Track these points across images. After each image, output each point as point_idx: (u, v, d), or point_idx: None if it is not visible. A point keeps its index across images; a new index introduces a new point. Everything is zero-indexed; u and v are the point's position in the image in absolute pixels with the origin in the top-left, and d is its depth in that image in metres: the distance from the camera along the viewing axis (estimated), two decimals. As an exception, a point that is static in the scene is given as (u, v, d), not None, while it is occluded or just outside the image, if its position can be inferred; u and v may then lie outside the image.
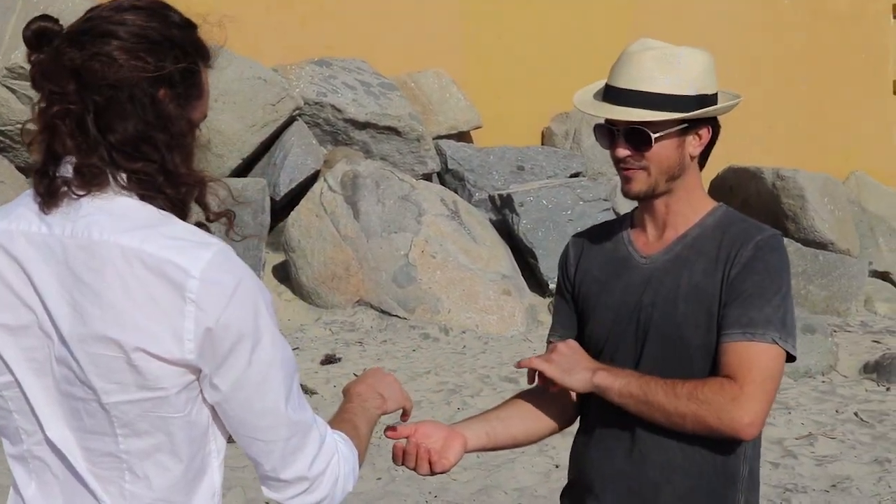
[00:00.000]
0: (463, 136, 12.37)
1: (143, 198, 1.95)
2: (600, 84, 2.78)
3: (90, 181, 1.93)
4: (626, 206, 11.31)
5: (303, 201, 10.07)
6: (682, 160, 2.71)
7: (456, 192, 11.17)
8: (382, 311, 9.62)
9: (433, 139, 11.72)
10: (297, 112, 10.98)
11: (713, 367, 2.66)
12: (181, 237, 1.93)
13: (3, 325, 1.96)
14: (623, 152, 2.68)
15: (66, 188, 1.94)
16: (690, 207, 2.77)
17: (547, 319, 10.06)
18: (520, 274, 10.22)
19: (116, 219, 1.93)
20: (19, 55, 9.85)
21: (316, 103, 11.14)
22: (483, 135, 12.39)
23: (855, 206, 12.41)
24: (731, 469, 2.73)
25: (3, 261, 1.96)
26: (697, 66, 2.68)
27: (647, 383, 2.62)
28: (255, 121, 10.65)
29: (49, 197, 1.95)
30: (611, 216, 10.81)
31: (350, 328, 9.40)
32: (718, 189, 12.00)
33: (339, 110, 11.14)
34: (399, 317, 9.58)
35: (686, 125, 2.68)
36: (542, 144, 12.66)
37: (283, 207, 10.51)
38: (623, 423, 2.75)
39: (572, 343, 2.78)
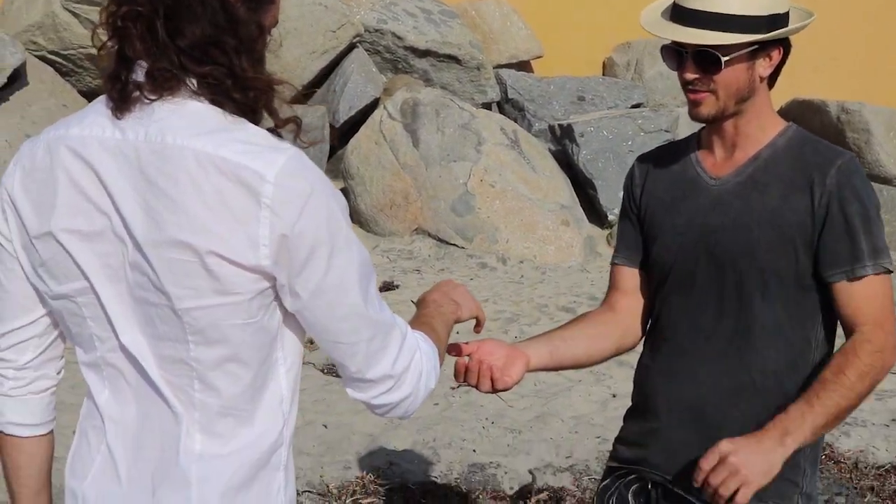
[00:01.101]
0: (523, 66, 12.27)
1: (213, 102, 1.93)
2: (668, 1, 2.71)
3: (162, 85, 1.91)
4: (687, 138, 11.19)
5: (362, 129, 10.06)
6: (752, 82, 2.64)
7: (515, 121, 11.11)
8: (440, 240, 9.62)
9: (493, 68, 11.64)
10: (357, 39, 10.94)
11: (787, 291, 2.65)
12: (254, 142, 1.91)
13: (77, 231, 1.96)
14: (691, 75, 2.61)
15: (138, 92, 1.92)
16: (760, 128, 2.71)
17: (605, 251, 10.01)
18: (578, 205, 10.16)
19: (189, 123, 1.91)
20: (82, -21, 9.87)
21: (376, 30, 11.08)
22: (543, 64, 12.29)
23: (921, 141, 12.21)
24: (798, 394, 2.70)
25: (77, 167, 1.95)
26: None
27: (823, 403, 2.52)
28: (316, 48, 10.62)
29: (121, 101, 1.93)
30: (672, 148, 10.71)
31: (408, 256, 9.41)
32: (782, 122, 11.85)
33: (399, 38, 11.08)
34: (457, 245, 9.58)
35: (756, 46, 2.61)
36: (603, 75, 12.54)
37: (342, 135, 10.50)
38: (690, 347, 2.73)
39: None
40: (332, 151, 10.41)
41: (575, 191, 10.33)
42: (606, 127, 10.54)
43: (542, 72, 12.22)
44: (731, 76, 2.61)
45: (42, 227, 1.98)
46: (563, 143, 10.71)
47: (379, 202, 9.78)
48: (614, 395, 6.51)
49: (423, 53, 11.14)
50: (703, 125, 2.77)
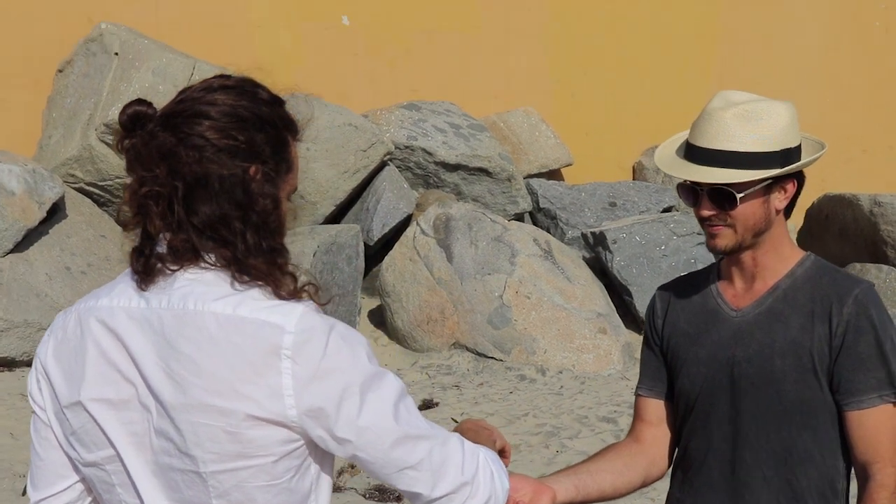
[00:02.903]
0: (554, 175, 12.38)
1: (229, 271, 2.01)
2: (681, 138, 2.76)
3: (182, 256, 2.00)
4: (720, 239, 11.19)
5: (396, 246, 10.15)
6: (769, 215, 2.68)
7: (548, 230, 11.18)
8: (478, 354, 9.64)
9: (524, 178, 11.74)
10: (388, 157, 11.07)
11: (812, 420, 2.67)
12: (269, 299, 1.99)
13: (105, 399, 2.02)
14: (708, 212, 2.66)
15: (160, 264, 2.01)
16: (779, 258, 2.74)
17: (644, 356, 9.98)
18: (615, 311, 10.17)
19: (210, 288, 1.99)
20: (117, 111, 10.07)
21: (406, 147, 11.22)
22: (574, 172, 12.39)
23: (956, 231, 12.17)
24: None
25: (106, 337, 2.03)
26: (781, 120, 2.65)
27: None
28: (347, 167, 10.76)
29: (145, 274, 2.02)
30: (705, 251, 10.72)
31: (447, 371, 9.42)
32: (814, 218, 11.84)
33: (429, 153, 11.21)
34: (495, 359, 9.59)
35: (771, 181, 2.66)
36: (634, 179, 12.62)
37: (376, 252, 10.59)
38: (720, 479, 2.74)
39: None
40: (368, 270, 10.49)
41: (611, 297, 10.35)
42: (639, 232, 10.58)
43: (572, 179, 12.31)
44: (747, 211, 2.64)
45: (72, 396, 2.04)
46: (596, 251, 10.75)
47: (415, 318, 9.83)
48: (658, 508, 6.46)
49: (454, 168, 11.26)
50: (722, 256, 2.81)
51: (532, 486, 2.72)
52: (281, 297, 2.00)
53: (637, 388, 2.97)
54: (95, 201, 10.52)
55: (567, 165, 12.34)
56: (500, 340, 9.64)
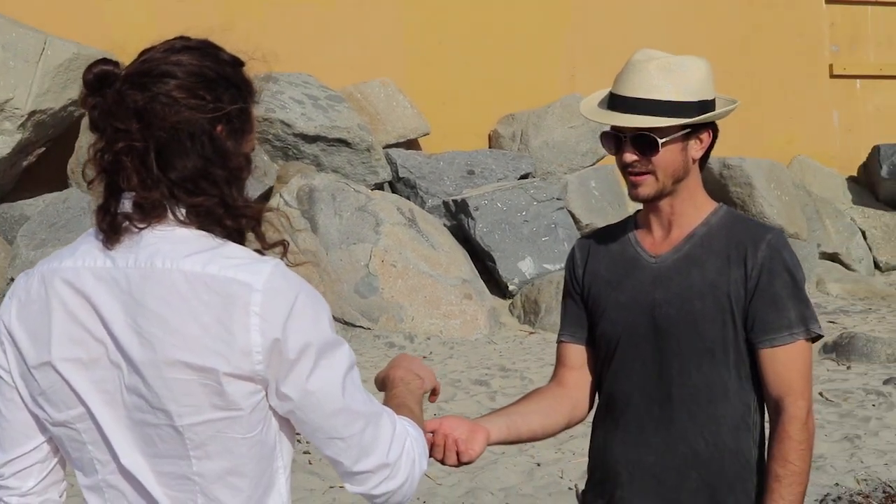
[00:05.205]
0: (412, 144, 12.45)
1: (201, 227, 2.04)
2: (604, 93, 2.88)
3: (150, 214, 2.01)
4: (578, 205, 11.43)
5: (260, 218, 10.09)
6: (686, 163, 2.83)
7: (409, 199, 11.25)
8: (346, 323, 9.68)
9: (383, 148, 11.79)
10: (246, 129, 11.00)
11: (729, 357, 2.81)
12: (239, 256, 2.02)
13: (75, 359, 2.03)
14: (630, 157, 2.79)
15: (127, 222, 2.02)
16: (694, 207, 2.88)
17: (509, 321, 10.16)
18: (479, 277, 10.31)
19: (177, 247, 2.01)
20: (-35, 88, 9.80)
21: (265, 120, 11.16)
22: (431, 141, 12.48)
23: (800, 190, 12.65)
24: (747, 455, 2.86)
25: (72, 297, 2.03)
26: (698, 73, 2.81)
27: (788, 499, 2.75)
28: (206, 140, 10.66)
29: (112, 232, 2.03)
30: (565, 215, 10.93)
31: (316, 341, 9.43)
32: (666, 181, 12.16)
33: (288, 125, 11.18)
34: (363, 327, 9.64)
35: (689, 130, 2.80)
36: (490, 147, 12.76)
37: (239, 225, 10.52)
38: (645, 416, 2.86)
39: None
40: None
41: (474, 264, 10.48)
42: (500, 199, 10.74)
43: (430, 148, 12.40)
44: (667, 157, 2.79)
45: (40, 357, 2.05)
46: (458, 218, 10.87)
47: (283, 290, 9.80)
48: (539, 465, 6.61)
49: (313, 139, 11.25)
50: (639, 209, 2.93)
51: (467, 425, 2.81)
52: (253, 252, 2.03)
53: (559, 335, 3.07)
54: (-55, 181, 10.24)
55: (424, 135, 12.43)
56: (367, 309, 9.69)
